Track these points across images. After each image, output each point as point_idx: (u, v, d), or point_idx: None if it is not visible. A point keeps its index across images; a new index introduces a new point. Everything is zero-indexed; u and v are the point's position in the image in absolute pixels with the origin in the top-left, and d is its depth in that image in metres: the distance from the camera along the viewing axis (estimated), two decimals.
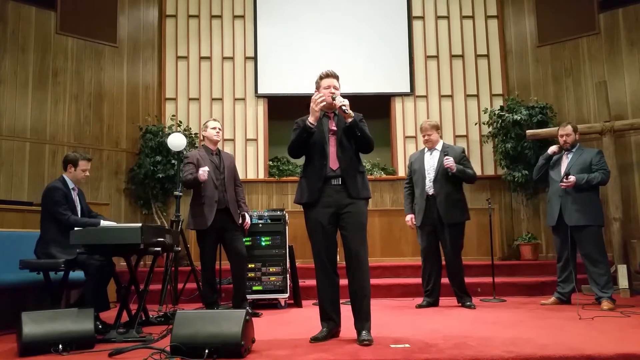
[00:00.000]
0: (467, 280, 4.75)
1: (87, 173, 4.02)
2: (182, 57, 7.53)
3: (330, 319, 3.17)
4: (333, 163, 3.15)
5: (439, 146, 4.68)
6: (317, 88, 3.28)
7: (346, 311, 3.19)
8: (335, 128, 3.22)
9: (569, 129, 4.67)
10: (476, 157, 7.41)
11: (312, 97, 3.16)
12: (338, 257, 3.25)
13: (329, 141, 3.19)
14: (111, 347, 2.88)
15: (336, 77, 3.27)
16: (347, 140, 3.17)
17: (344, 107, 3.08)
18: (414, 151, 7.41)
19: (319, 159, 3.17)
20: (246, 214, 4.48)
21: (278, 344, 3.02)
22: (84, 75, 6.77)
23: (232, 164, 4.52)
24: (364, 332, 2.99)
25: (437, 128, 4.70)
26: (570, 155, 4.66)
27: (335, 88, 3.21)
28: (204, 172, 4.12)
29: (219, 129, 4.49)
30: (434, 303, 4.59)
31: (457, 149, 4.74)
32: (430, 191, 4.53)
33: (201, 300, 4.57)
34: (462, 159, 4.61)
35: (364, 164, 3.32)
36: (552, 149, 4.72)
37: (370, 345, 2.90)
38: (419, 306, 4.57)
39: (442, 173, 4.50)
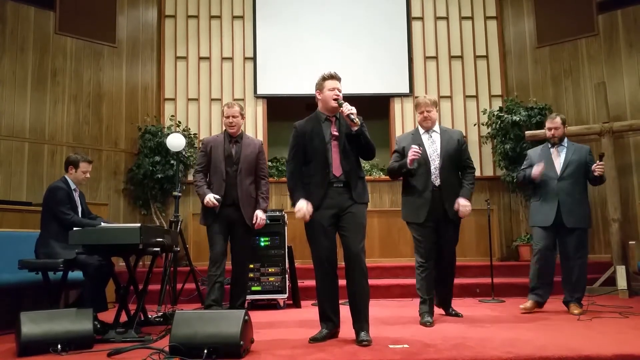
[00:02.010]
0: (467, 280, 4.73)
1: (88, 175, 4.08)
2: (181, 57, 7.53)
3: (329, 319, 3.17)
4: (336, 170, 3.14)
5: (437, 128, 3.98)
6: (320, 89, 3.24)
7: (345, 312, 3.19)
8: (337, 133, 3.17)
9: (557, 121, 4.27)
10: (475, 158, 7.40)
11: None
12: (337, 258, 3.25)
13: (331, 147, 3.16)
14: (110, 347, 2.88)
15: (339, 79, 3.24)
16: (349, 145, 3.15)
17: (352, 116, 3.04)
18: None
19: (322, 166, 3.14)
20: (259, 212, 3.92)
21: (277, 344, 3.02)
22: (83, 75, 6.76)
23: (253, 153, 3.97)
24: (362, 332, 3.00)
25: (437, 105, 4.01)
26: (562, 151, 4.26)
27: (339, 90, 3.19)
28: (209, 200, 3.82)
29: (233, 117, 3.94)
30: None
31: (455, 134, 4.02)
32: (437, 182, 3.80)
33: (200, 301, 4.57)
34: (463, 145, 3.96)
35: (363, 164, 3.32)
36: (536, 172, 4.13)
37: (369, 345, 2.90)
38: (430, 324, 3.66)
39: (450, 160, 3.84)
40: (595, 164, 4.10)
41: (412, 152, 3.68)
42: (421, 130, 3.97)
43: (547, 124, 4.33)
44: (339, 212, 3.12)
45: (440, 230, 3.85)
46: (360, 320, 3.05)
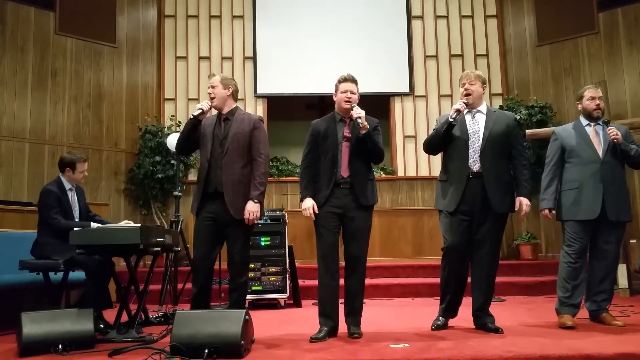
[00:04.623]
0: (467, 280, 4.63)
1: (85, 173, 4.03)
2: (181, 57, 7.53)
3: (329, 318, 3.21)
4: (344, 171, 3.21)
5: (483, 108, 3.41)
6: (335, 91, 3.34)
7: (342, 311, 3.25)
8: (349, 135, 3.24)
9: (600, 91, 3.58)
10: None
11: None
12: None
13: (342, 148, 3.23)
14: (111, 347, 2.88)
15: (354, 81, 3.31)
16: (360, 148, 3.21)
17: (359, 120, 3.10)
18: (413, 152, 7.45)
19: (331, 165, 3.22)
20: (249, 204, 3.15)
21: (278, 343, 3.02)
22: (83, 75, 6.76)
23: (244, 130, 3.25)
24: (354, 326, 3.18)
25: (483, 81, 3.42)
26: (600, 130, 3.53)
27: (353, 93, 3.26)
28: (199, 107, 3.25)
29: (212, 87, 3.35)
30: (452, 317, 3.59)
31: (505, 115, 3.43)
32: (476, 167, 3.28)
33: None
34: (514, 129, 3.37)
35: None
36: (461, 107, 3.30)
37: (360, 338, 3.09)
38: (438, 327, 3.45)
39: (494, 144, 3.29)
40: (608, 132, 3.44)
41: (459, 102, 3.33)
42: (464, 110, 3.38)
43: (590, 94, 3.57)
44: (344, 213, 3.21)
45: (476, 224, 3.32)
46: (353, 314, 3.22)
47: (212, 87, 3.34)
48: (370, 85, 7.56)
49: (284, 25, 7.65)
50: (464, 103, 3.32)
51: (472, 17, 7.74)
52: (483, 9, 7.74)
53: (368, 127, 3.13)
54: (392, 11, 7.73)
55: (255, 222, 3.21)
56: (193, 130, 3.30)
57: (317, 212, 3.19)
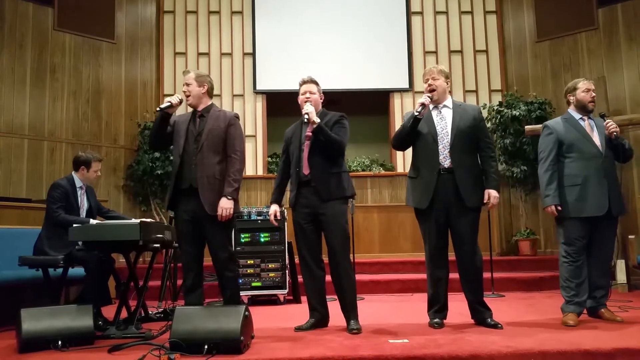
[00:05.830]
0: None
1: (99, 173, 4.08)
2: (180, 53, 7.52)
3: (314, 309, 3.36)
4: (305, 168, 3.30)
5: (449, 102, 3.39)
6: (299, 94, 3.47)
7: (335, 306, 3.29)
8: (310, 133, 3.31)
9: (593, 85, 3.51)
10: None
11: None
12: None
13: (304, 147, 3.33)
14: (110, 343, 2.88)
15: (314, 82, 3.46)
16: (319, 144, 3.27)
17: (305, 117, 3.22)
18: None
19: (295, 165, 3.35)
20: (222, 201, 3.09)
21: (277, 339, 3.03)
22: (82, 71, 6.75)
23: (220, 127, 3.22)
24: (352, 321, 3.20)
25: (447, 77, 3.39)
26: (593, 124, 3.47)
27: (312, 93, 3.39)
28: (168, 100, 3.21)
29: (186, 84, 3.30)
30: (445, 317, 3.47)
31: (471, 109, 3.41)
32: (447, 163, 3.24)
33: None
34: (480, 122, 3.36)
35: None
36: (426, 101, 3.26)
37: (359, 333, 3.10)
38: (438, 325, 3.32)
39: (463, 138, 3.26)
40: (606, 125, 3.39)
41: (424, 96, 3.30)
42: (430, 106, 3.36)
43: (585, 86, 3.48)
44: (314, 211, 3.29)
45: (452, 220, 3.28)
46: (347, 309, 3.24)
47: (187, 84, 3.29)
48: (369, 81, 7.57)
49: (283, 21, 7.63)
50: (429, 97, 3.31)
51: (471, 13, 7.73)
52: (482, 5, 7.73)
53: (318, 121, 3.21)
54: (392, 7, 7.71)
55: (230, 218, 3.15)
56: (162, 123, 3.26)
57: (279, 217, 3.41)
